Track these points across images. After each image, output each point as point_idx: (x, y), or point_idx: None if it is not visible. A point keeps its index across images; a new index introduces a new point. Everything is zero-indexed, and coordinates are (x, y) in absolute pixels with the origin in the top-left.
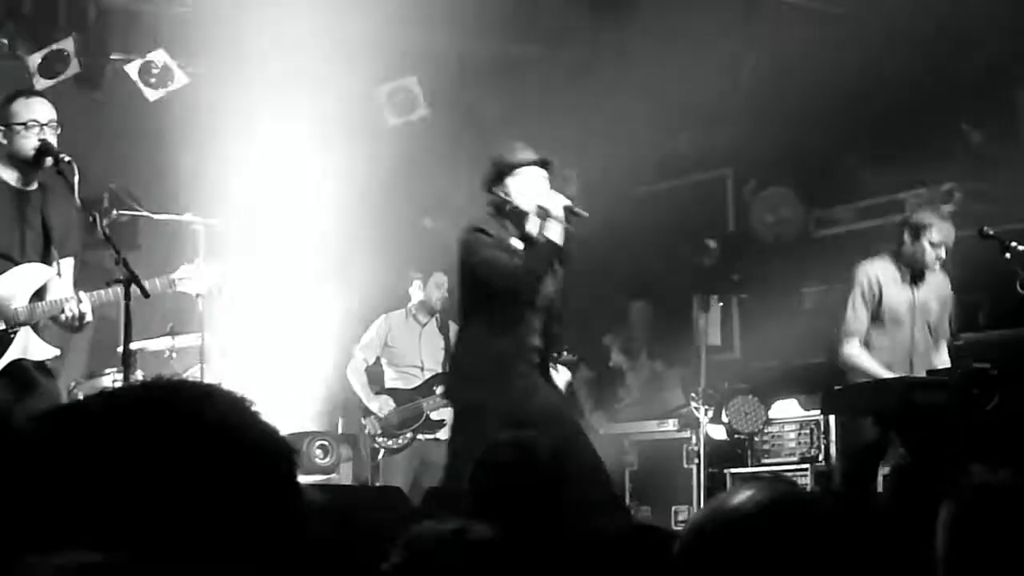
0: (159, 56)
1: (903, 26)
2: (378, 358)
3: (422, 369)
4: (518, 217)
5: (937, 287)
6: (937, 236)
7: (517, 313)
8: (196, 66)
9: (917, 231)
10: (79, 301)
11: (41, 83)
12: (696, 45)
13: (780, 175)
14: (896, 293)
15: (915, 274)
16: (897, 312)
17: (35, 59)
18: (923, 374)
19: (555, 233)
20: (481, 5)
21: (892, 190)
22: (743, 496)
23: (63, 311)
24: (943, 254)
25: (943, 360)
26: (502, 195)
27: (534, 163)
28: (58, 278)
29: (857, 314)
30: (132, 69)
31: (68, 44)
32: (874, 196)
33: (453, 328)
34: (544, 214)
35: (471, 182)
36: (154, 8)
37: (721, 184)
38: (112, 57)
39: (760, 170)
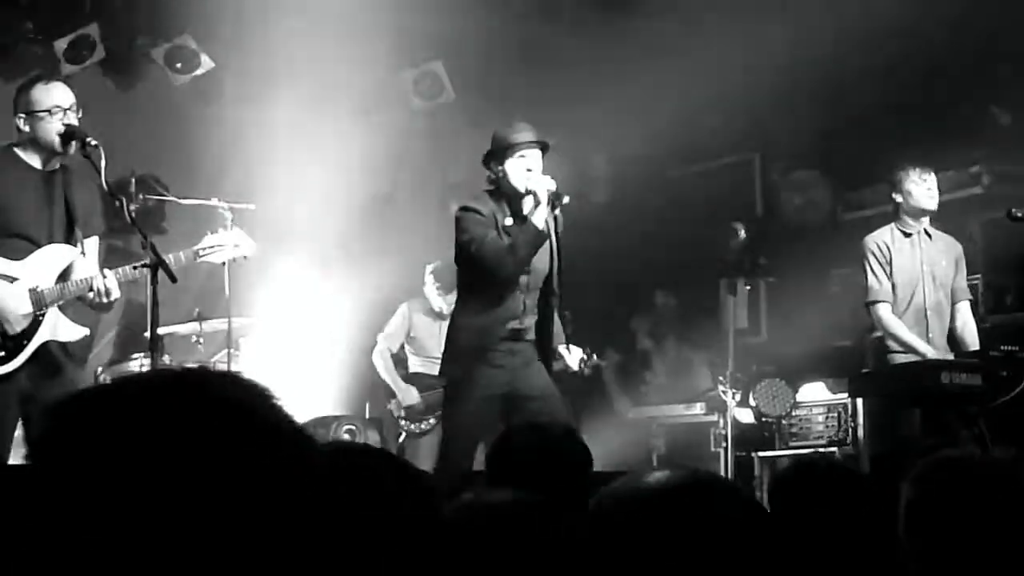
0: (185, 41)
1: (932, 7)
2: (402, 345)
3: None
4: (513, 197)
5: (945, 246)
6: (916, 175)
7: (498, 293)
8: (222, 50)
9: (898, 183)
10: (104, 277)
11: (67, 69)
12: (723, 27)
13: (808, 158)
14: (904, 253)
15: (920, 233)
16: (907, 270)
17: (61, 45)
18: (940, 333)
19: (539, 217)
20: None
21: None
22: (654, 477)
23: (90, 288)
24: (933, 188)
25: (967, 320)
26: (499, 173)
27: (533, 144)
28: (83, 258)
29: (880, 279)
30: (158, 54)
31: (93, 29)
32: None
33: None
34: (533, 196)
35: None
36: None
37: (749, 167)
38: (138, 42)
39: (788, 153)
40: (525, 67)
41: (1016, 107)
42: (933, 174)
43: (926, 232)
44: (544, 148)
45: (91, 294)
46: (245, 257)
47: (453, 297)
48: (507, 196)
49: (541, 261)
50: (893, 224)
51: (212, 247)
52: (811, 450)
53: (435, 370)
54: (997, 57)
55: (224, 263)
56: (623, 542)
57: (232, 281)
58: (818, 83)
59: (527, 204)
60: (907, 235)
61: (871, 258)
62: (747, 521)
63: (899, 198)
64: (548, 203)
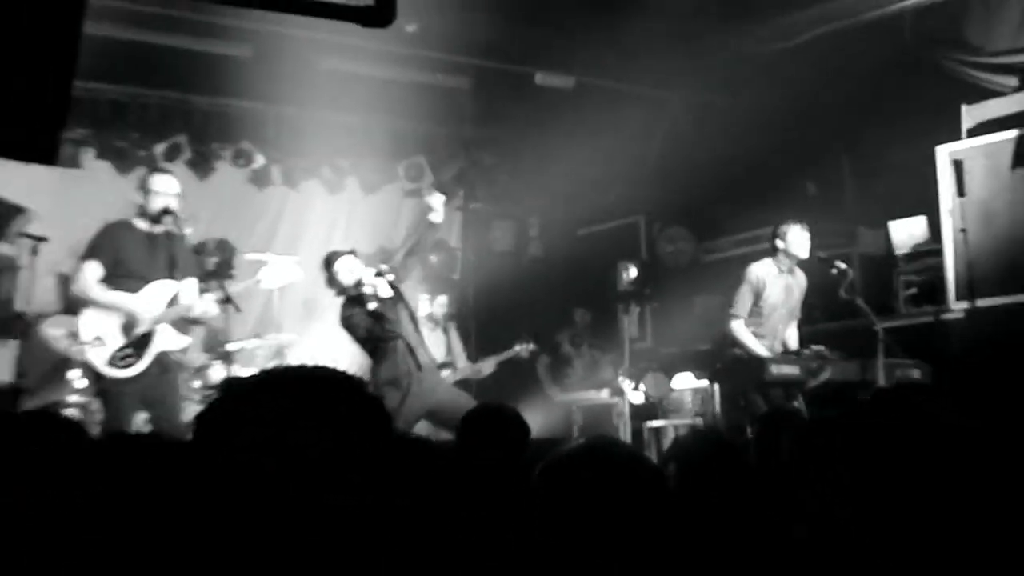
0: (244, 144)
1: (762, 114)
2: None
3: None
4: (353, 290)
5: (800, 280)
6: (798, 229)
7: (388, 347)
8: (271, 150)
9: (783, 233)
10: (210, 297)
11: (164, 166)
12: (619, 133)
13: (678, 218)
14: (774, 286)
15: (791, 270)
16: (773, 302)
17: (159, 148)
18: (789, 336)
19: (384, 290)
20: (467, 102)
21: (755, 227)
22: (575, 443)
23: (194, 309)
24: (807, 241)
25: (793, 333)
26: (338, 280)
27: (345, 254)
28: (185, 291)
29: (742, 301)
30: (226, 154)
31: (182, 138)
32: (743, 232)
33: (451, 329)
34: (366, 284)
35: (462, 230)
36: (240, 111)
37: (636, 226)
38: (213, 146)
39: (664, 215)
40: (481, 158)
41: (820, 181)
42: (807, 231)
43: (796, 268)
44: (354, 253)
45: (195, 312)
46: (292, 284)
47: (443, 298)
48: (356, 295)
49: (403, 317)
50: (772, 259)
51: (266, 278)
52: (685, 420)
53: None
54: (807, 146)
55: (276, 288)
56: (564, 484)
57: (280, 309)
58: (685, 165)
59: (368, 288)
60: (781, 271)
61: (746, 284)
62: (637, 462)
63: (781, 244)
64: (379, 277)
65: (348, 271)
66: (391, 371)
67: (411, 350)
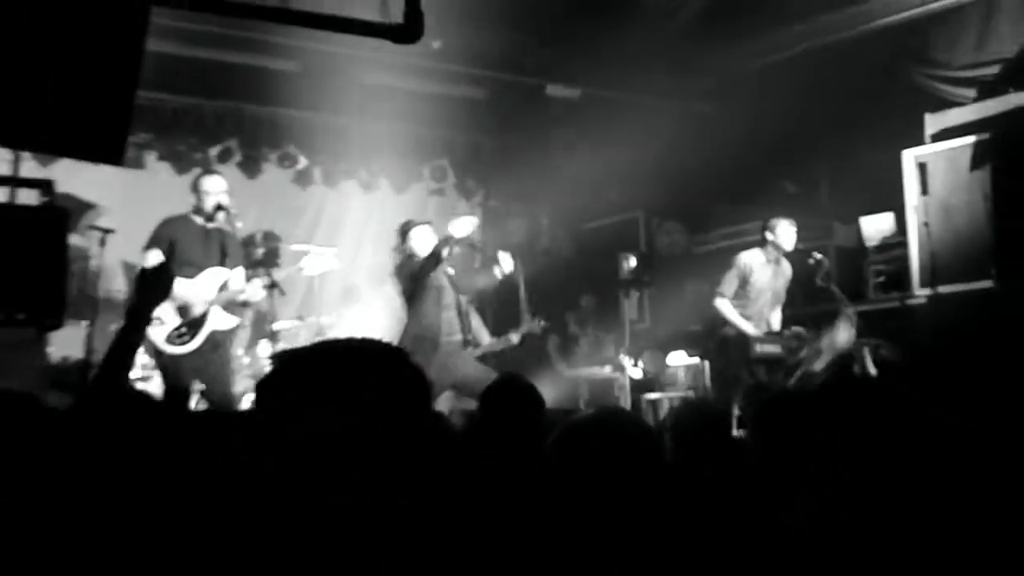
0: (289, 148)
1: (748, 121)
2: None
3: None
4: (418, 258)
5: (786, 269)
6: (787, 224)
7: (420, 309)
8: (313, 153)
9: (773, 227)
10: (257, 283)
11: (217, 166)
12: (620, 139)
13: (673, 214)
14: (761, 273)
15: (779, 260)
16: (760, 287)
17: (213, 151)
18: (773, 319)
19: (441, 248)
20: (485, 111)
21: (742, 222)
22: (585, 414)
23: (243, 293)
24: (793, 235)
25: (778, 317)
26: (409, 248)
27: (421, 224)
28: (235, 277)
29: (728, 282)
30: (273, 156)
31: (233, 142)
32: (731, 226)
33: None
34: (443, 245)
35: (481, 225)
36: (287, 118)
37: (636, 220)
38: (261, 150)
39: (660, 211)
40: (499, 162)
41: (798, 182)
42: (795, 226)
43: (783, 258)
44: (429, 224)
45: (243, 296)
46: (331, 271)
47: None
48: (413, 260)
49: (450, 294)
50: (761, 249)
51: (307, 266)
52: (678, 393)
53: None
54: (786, 150)
55: (316, 275)
56: (577, 448)
57: (320, 294)
58: (679, 167)
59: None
60: (768, 261)
61: (734, 269)
62: (640, 432)
63: (771, 236)
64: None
65: (421, 240)
66: (417, 331)
67: (439, 327)
